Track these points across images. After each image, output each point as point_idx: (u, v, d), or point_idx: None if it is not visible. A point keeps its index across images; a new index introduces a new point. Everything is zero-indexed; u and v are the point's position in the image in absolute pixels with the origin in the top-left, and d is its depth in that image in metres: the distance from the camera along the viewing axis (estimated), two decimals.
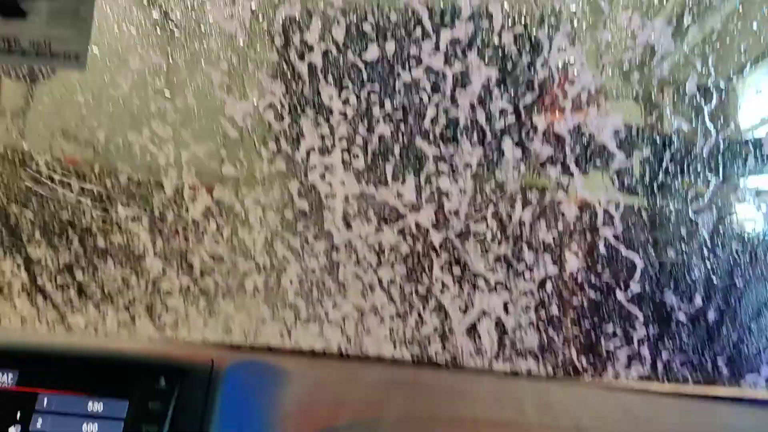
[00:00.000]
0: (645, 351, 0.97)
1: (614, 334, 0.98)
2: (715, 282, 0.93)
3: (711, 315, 0.94)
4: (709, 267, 0.93)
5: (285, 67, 0.97)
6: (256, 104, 0.99)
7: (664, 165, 0.90)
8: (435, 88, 0.94)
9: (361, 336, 1.10)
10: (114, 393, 0.76)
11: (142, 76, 0.99)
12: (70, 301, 1.17)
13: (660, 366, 0.98)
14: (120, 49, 0.97)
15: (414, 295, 1.05)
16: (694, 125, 0.88)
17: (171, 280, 1.13)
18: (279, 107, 0.99)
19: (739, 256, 0.91)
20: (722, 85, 0.86)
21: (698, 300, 0.94)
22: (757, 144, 0.87)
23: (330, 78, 0.96)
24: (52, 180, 1.08)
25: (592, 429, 0.82)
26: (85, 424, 0.75)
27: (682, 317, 0.95)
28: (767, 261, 0.91)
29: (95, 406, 0.76)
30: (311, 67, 0.96)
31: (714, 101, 0.87)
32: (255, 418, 0.80)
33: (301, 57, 0.95)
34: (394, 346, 1.09)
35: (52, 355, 0.79)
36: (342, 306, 1.09)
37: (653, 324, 0.96)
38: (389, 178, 1.00)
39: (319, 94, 0.97)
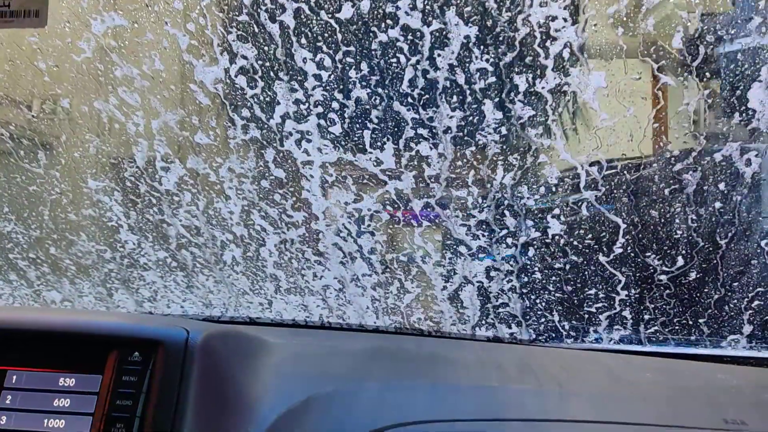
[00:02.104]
0: (626, 313, 0.96)
1: (596, 297, 0.97)
2: (697, 242, 0.92)
3: (692, 275, 0.93)
4: (691, 227, 0.91)
5: (256, 28, 0.93)
6: (227, 69, 0.95)
7: (648, 122, 0.88)
8: (413, 49, 0.90)
9: (343, 306, 1.08)
10: (86, 367, 0.74)
11: (104, 40, 0.95)
12: (45, 277, 1.14)
13: (641, 327, 0.97)
14: (80, 10, 0.93)
15: (395, 263, 1.03)
16: (680, 81, 0.86)
17: (147, 254, 1.10)
18: (251, 72, 0.95)
19: (721, 216, 0.90)
20: (709, 39, 0.83)
21: (680, 261, 0.93)
22: (743, 100, 0.85)
23: (303, 39, 0.92)
24: (17, 151, 1.04)
25: (575, 390, 0.82)
26: (56, 400, 0.73)
27: (663, 278, 0.94)
28: (750, 220, 0.90)
29: (67, 382, 0.74)
30: (283, 28, 0.92)
31: (700, 56, 0.84)
32: (232, 389, 0.78)
33: (272, 17, 0.91)
34: (377, 316, 1.07)
35: (19, 332, 0.77)
36: (323, 276, 1.07)
37: (635, 286, 0.95)
38: (367, 145, 0.97)
39: (292, 56, 0.93)
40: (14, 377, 0.74)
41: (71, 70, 0.97)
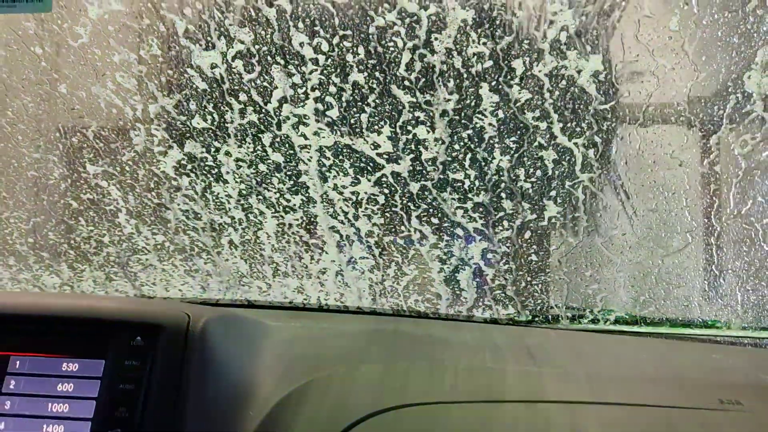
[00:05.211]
0: (623, 294, 0.98)
1: (593, 278, 0.98)
2: (693, 224, 0.93)
3: (688, 256, 0.94)
4: (687, 207, 0.92)
5: (253, 12, 0.92)
6: (224, 53, 0.94)
7: (645, 106, 0.88)
8: (410, 33, 0.90)
9: (340, 289, 1.09)
10: (89, 352, 0.75)
11: (101, 25, 0.94)
12: (44, 261, 1.15)
13: (637, 308, 0.98)
14: None
15: (392, 246, 1.04)
16: (675, 64, 0.86)
17: (146, 238, 1.10)
18: (248, 56, 0.94)
19: (716, 197, 0.91)
20: (705, 21, 0.83)
21: (676, 242, 0.94)
22: (739, 84, 0.85)
23: (300, 24, 0.92)
24: (15, 136, 1.04)
25: (572, 372, 0.83)
26: (60, 385, 0.73)
27: (659, 259, 0.95)
28: (744, 200, 0.91)
29: (70, 366, 0.74)
30: (280, 13, 0.91)
31: (697, 39, 0.84)
32: (234, 373, 0.79)
33: (269, 1, 0.91)
34: (374, 299, 1.08)
35: (22, 317, 0.77)
36: (320, 260, 1.08)
37: (631, 267, 0.96)
38: (365, 128, 0.97)
39: (290, 41, 0.93)
40: (17, 363, 0.74)
41: (68, 55, 0.96)
